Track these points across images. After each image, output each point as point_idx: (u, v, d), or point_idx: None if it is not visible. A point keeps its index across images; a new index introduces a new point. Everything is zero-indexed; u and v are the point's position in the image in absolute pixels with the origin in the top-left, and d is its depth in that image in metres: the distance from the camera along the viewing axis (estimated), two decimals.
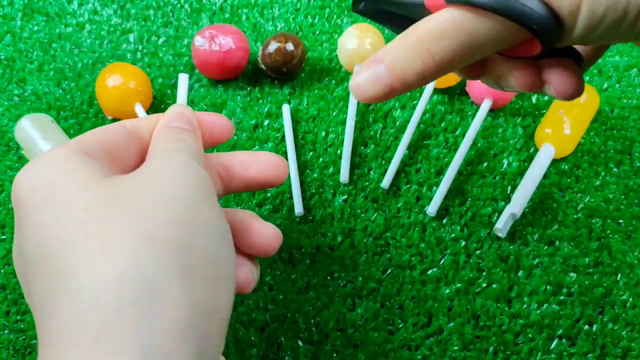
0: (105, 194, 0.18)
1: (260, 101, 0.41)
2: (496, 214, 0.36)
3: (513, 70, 0.20)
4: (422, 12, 0.19)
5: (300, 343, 0.32)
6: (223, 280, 0.19)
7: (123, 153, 0.22)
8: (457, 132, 0.39)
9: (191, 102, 0.41)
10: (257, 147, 0.39)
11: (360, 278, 0.34)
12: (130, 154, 0.23)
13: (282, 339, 0.33)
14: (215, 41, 0.39)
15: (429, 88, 0.39)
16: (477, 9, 0.16)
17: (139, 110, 0.38)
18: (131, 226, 0.17)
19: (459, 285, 0.34)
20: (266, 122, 0.40)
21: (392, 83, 0.18)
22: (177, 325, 0.16)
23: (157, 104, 0.41)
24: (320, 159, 0.38)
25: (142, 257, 0.16)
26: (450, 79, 0.39)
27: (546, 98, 0.40)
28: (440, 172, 0.37)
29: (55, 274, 0.17)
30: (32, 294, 0.18)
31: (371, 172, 0.38)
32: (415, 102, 0.40)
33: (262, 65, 0.41)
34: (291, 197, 0.37)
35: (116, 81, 0.38)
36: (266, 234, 0.24)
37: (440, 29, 0.17)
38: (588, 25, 0.16)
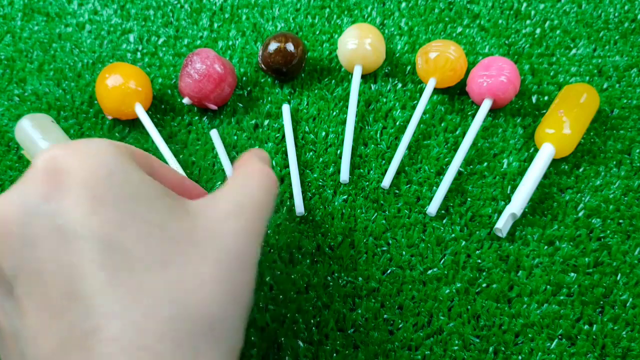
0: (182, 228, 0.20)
1: (260, 101, 0.41)
2: (496, 214, 0.36)
3: None
4: None
5: (300, 343, 0.32)
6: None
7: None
8: (457, 132, 0.39)
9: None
10: (257, 147, 0.39)
11: (360, 278, 0.34)
12: None
13: (282, 339, 0.33)
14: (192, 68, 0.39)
15: (429, 88, 0.39)
16: None
17: (139, 110, 0.38)
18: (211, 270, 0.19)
19: (459, 285, 0.34)
20: (266, 122, 0.40)
21: None
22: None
23: (157, 104, 0.41)
24: (320, 159, 0.38)
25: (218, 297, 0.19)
26: (451, 79, 0.39)
27: (546, 98, 0.40)
28: (440, 172, 0.37)
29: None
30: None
31: (371, 172, 0.38)
32: (415, 102, 0.40)
33: (262, 65, 0.41)
34: (291, 197, 0.37)
35: (116, 81, 0.38)
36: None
37: None
38: None
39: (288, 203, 0.37)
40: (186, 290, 0.18)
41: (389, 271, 0.34)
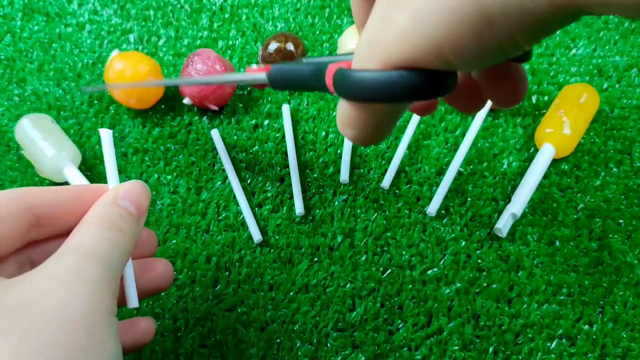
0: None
1: (260, 101, 0.41)
2: (496, 214, 0.36)
3: (453, 104, 0.23)
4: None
5: (300, 343, 0.32)
6: None
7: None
8: (457, 132, 0.39)
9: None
10: (257, 147, 0.39)
11: (360, 278, 0.34)
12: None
13: (282, 339, 0.33)
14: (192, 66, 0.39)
15: None
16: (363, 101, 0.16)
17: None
18: (21, 347, 0.17)
19: (459, 285, 0.34)
20: (266, 122, 0.40)
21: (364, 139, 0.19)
22: None
23: (157, 104, 0.41)
24: (320, 159, 0.38)
25: None
26: None
27: (546, 98, 0.40)
28: (440, 172, 0.37)
29: None
30: None
31: (371, 172, 0.38)
32: None
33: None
34: (291, 197, 0.37)
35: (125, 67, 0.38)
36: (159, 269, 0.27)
37: (349, 118, 0.18)
38: (469, 61, 0.14)
39: (288, 203, 0.37)
40: None
41: (389, 271, 0.34)
